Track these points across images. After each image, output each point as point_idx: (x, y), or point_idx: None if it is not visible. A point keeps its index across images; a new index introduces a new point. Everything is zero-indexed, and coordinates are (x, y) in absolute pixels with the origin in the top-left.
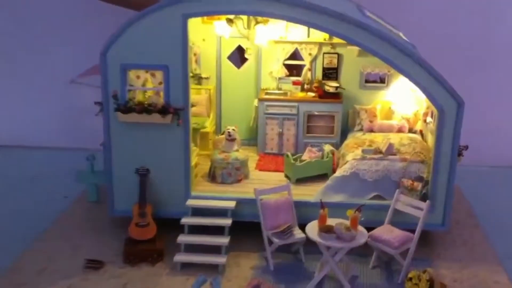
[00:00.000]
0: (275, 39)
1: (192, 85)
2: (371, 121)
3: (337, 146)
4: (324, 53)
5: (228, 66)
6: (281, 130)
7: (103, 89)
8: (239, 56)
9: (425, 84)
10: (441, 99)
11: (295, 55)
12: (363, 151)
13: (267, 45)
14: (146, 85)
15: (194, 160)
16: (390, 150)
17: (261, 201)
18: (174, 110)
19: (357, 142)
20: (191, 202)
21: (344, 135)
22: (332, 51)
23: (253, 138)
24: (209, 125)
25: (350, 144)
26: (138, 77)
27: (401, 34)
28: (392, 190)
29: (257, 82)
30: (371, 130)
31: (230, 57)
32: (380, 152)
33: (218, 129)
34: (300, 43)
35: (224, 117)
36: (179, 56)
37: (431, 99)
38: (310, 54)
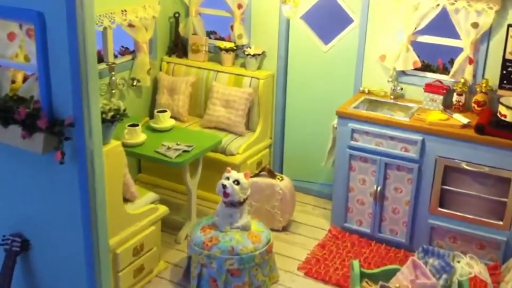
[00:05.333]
0: None
1: (230, 67)
2: None
3: (508, 252)
4: (510, 25)
5: (302, 36)
6: (379, 187)
7: None
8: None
9: None
10: None
11: (439, 25)
12: None
13: None
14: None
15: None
16: None
17: None
18: (48, 124)
19: None
20: None
21: None
22: None
23: None
24: (242, 149)
25: None
26: (11, 36)
27: None
28: None
29: (357, 76)
30: None
31: (308, 18)
32: None
33: (274, 160)
34: None
35: (288, 135)
36: None
37: None
38: (474, 24)
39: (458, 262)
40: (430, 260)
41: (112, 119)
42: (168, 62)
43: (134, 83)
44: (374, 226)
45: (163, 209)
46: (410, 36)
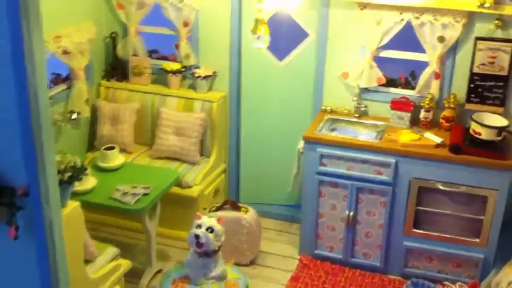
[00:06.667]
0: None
1: (177, 89)
2: None
3: (486, 268)
4: (477, 38)
5: (255, 53)
6: (351, 212)
7: None
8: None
9: None
10: None
11: (402, 39)
12: None
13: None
14: None
15: None
16: None
17: None
18: None
19: None
20: None
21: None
22: (500, 35)
23: None
24: (199, 179)
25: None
26: None
27: None
28: None
29: (317, 94)
30: None
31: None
32: None
33: (230, 185)
34: (418, 10)
35: (244, 158)
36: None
37: None
38: (441, 38)
39: None
40: None
41: (70, 180)
42: (107, 87)
43: (73, 117)
44: (346, 251)
45: (125, 264)
46: (373, 52)
